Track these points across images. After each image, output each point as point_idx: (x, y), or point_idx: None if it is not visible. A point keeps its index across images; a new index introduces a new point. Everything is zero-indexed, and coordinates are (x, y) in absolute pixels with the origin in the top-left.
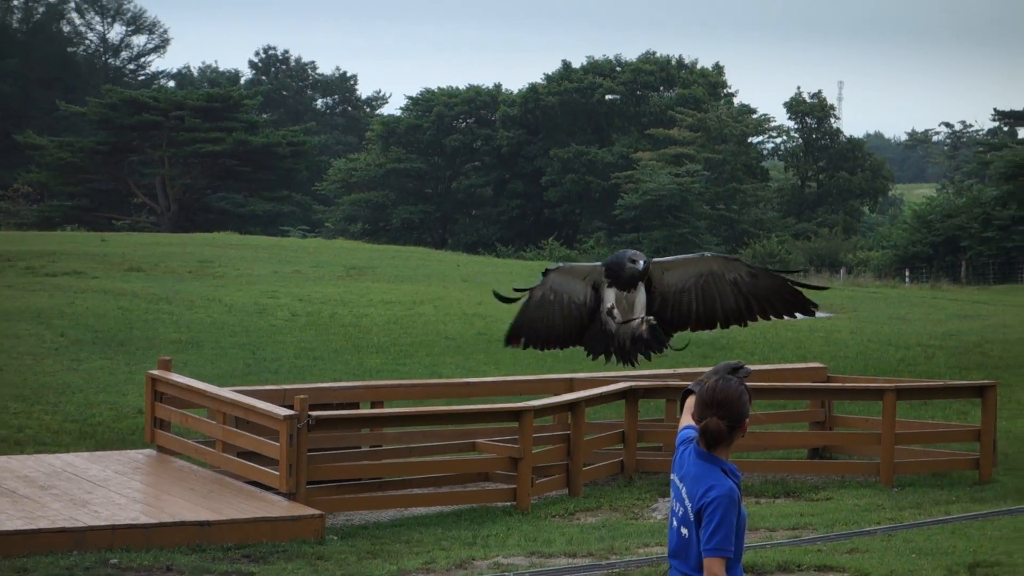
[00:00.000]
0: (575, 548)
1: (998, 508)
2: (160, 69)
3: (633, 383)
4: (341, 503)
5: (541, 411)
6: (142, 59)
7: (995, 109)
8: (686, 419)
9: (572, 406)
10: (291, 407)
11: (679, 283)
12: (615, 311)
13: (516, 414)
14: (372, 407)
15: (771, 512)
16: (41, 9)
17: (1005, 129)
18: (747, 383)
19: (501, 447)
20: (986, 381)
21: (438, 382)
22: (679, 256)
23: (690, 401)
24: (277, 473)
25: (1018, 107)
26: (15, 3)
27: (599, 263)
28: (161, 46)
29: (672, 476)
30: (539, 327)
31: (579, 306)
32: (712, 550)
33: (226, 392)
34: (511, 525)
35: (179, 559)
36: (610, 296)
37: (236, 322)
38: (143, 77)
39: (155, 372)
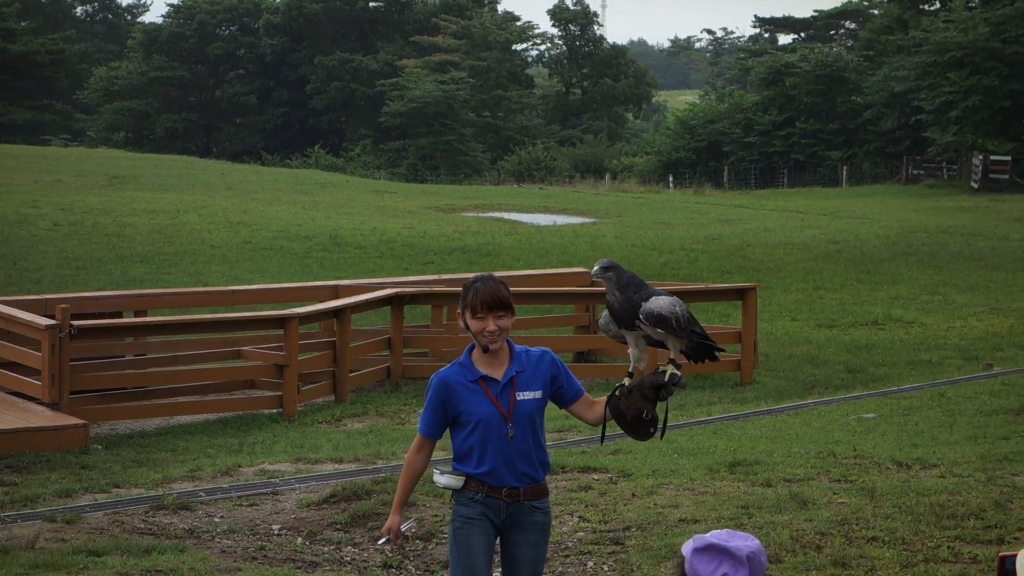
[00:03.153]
0: (341, 454)
1: (758, 408)
2: None
3: (398, 289)
4: (105, 412)
5: (306, 318)
6: None
7: (756, 16)
8: None
9: (337, 313)
10: (53, 317)
11: None
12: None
13: (281, 321)
14: (136, 316)
15: None
16: None
17: (766, 36)
18: (510, 287)
19: (266, 354)
20: (747, 284)
21: (202, 290)
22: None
23: None
24: (40, 383)
25: (778, 14)
26: None
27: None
28: None
29: None
30: None
31: None
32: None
33: None
34: (277, 432)
35: None
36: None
37: None
38: None
39: None
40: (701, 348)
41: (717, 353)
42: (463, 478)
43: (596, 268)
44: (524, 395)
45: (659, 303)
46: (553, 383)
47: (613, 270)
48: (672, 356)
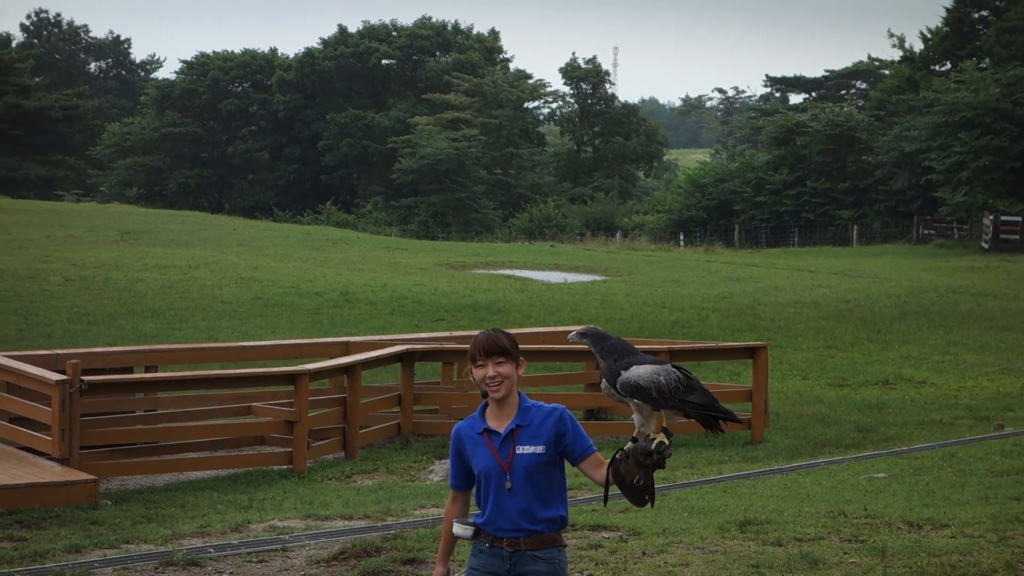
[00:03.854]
0: (351, 510)
1: (769, 467)
2: None
3: (409, 346)
4: (115, 468)
5: (317, 374)
6: None
7: (767, 75)
8: None
9: (348, 369)
10: (63, 372)
11: None
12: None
13: (292, 377)
14: (146, 372)
15: None
16: None
17: (777, 95)
18: (521, 344)
19: (277, 411)
20: (757, 343)
21: (212, 346)
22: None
23: None
24: (50, 438)
25: (789, 73)
26: None
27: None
28: None
29: None
30: None
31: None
32: None
33: None
34: (287, 488)
35: None
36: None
37: (7, 287)
38: None
39: None
40: (707, 417)
41: (722, 423)
42: (472, 528)
43: (572, 334)
44: (524, 449)
45: (637, 372)
46: (559, 441)
47: (589, 336)
48: (665, 424)
